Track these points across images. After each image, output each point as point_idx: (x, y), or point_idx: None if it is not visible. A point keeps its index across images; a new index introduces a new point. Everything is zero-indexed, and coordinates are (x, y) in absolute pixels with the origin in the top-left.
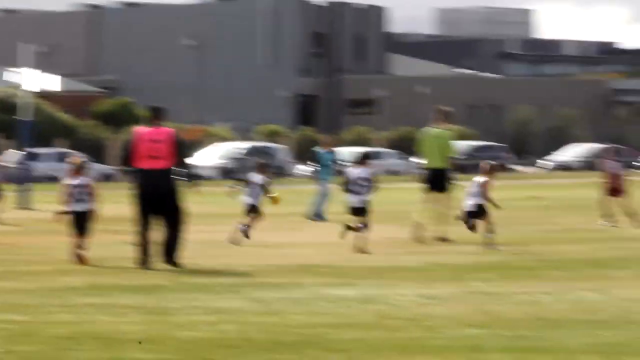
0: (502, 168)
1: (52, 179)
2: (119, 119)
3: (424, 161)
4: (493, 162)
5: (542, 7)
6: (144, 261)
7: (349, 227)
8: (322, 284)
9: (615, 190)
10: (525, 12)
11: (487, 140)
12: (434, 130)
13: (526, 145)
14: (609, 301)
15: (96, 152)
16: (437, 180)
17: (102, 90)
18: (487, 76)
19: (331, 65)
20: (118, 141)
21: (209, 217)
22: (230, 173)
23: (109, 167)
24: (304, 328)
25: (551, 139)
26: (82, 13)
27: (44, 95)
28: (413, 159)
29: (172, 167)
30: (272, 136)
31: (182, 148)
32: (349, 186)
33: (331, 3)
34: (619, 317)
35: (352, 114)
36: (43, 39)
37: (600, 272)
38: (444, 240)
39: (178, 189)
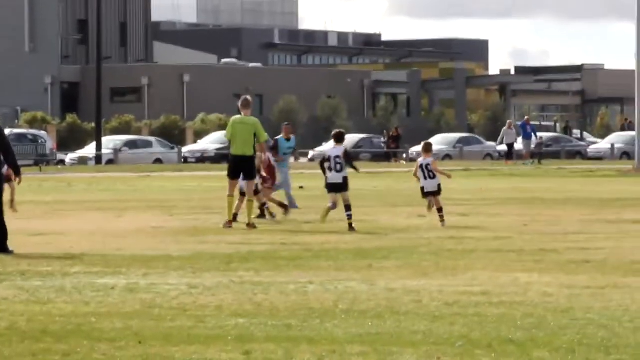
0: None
1: None
2: None
3: (232, 148)
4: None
5: None
6: None
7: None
8: (89, 273)
9: None
10: (291, 3)
11: None
12: (240, 117)
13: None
14: (375, 291)
15: None
16: (244, 167)
17: None
18: (252, 66)
19: (94, 53)
20: None
21: None
22: None
23: None
24: (71, 317)
25: (315, 128)
26: None
27: None
28: (177, 148)
29: None
30: (37, 123)
31: (3, 137)
32: (328, 164)
33: None
34: (385, 307)
35: (116, 102)
36: None
37: (366, 263)
38: (252, 226)
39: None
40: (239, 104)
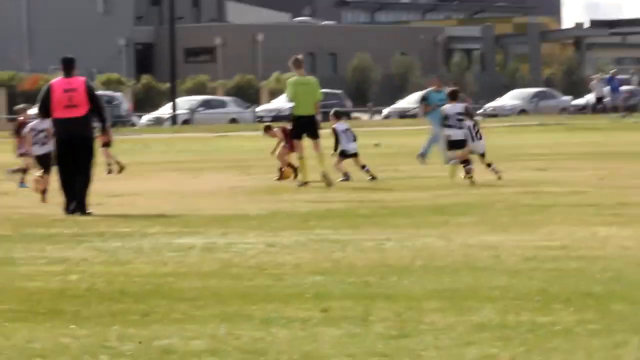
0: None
1: None
2: None
3: (295, 109)
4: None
5: None
6: (68, 206)
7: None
8: (168, 233)
9: None
10: None
11: (326, 88)
12: (304, 78)
13: (365, 92)
14: (452, 247)
15: None
16: (309, 126)
17: None
18: (325, 24)
19: (167, 14)
20: None
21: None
22: None
23: None
24: (150, 277)
25: (390, 86)
26: None
27: None
28: (252, 107)
29: (88, 115)
30: (112, 85)
31: (95, 96)
32: (448, 121)
33: None
34: (462, 263)
35: (190, 62)
36: None
37: (443, 219)
38: (329, 183)
39: (93, 136)
40: (291, 64)
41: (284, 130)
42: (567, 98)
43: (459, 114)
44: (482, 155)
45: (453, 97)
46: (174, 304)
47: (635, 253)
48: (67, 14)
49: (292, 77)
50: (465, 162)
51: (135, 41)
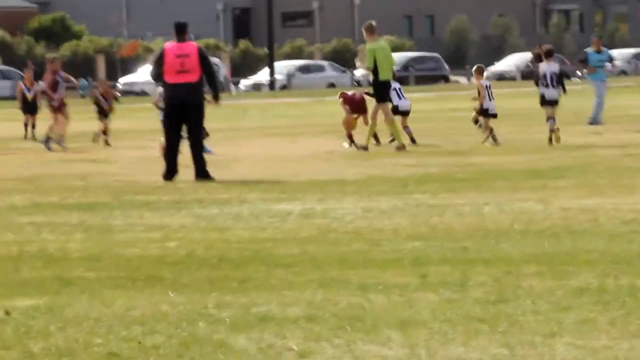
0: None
1: None
2: (55, 34)
3: (379, 74)
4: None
5: None
6: (170, 172)
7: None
8: (266, 199)
9: None
10: None
11: (424, 51)
12: (380, 43)
13: (463, 55)
14: (550, 211)
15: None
16: (387, 91)
17: (34, 5)
18: None
19: None
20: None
21: (141, 133)
22: None
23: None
24: (248, 243)
25: (488, 48)
26: None
27: None
28: (349, 71)
29: (200, 81)
30: (210, 50)
31: (207, 62)
32: (543, 80)
33: None
34: (560, 227)
35: (287, 26)
36: None
37: (541, 182)
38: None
39: (204, 103)
40: (365, 29)
41: (343, 96)
42: None
43: (554, 73)
44: (494, 115)
45: (549, 55)
46: (271, 270)
47: None
48: None
49: (371, 44)
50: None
51: (233, 6)
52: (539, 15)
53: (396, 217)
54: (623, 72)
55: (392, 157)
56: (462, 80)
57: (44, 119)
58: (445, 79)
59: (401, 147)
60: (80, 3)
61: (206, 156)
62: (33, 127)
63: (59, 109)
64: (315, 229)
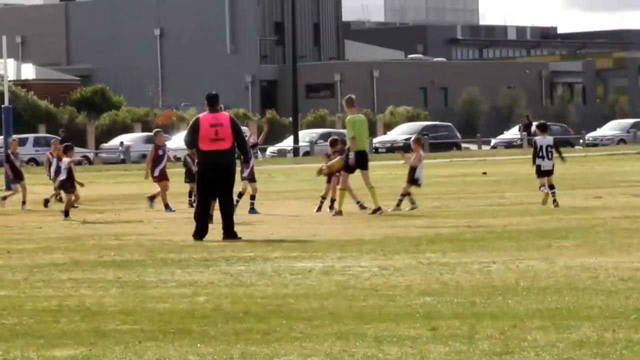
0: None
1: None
2: (95, 104)
3: (357, 144)
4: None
5: None
6: (201, 232)
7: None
8: (288, 257)
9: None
10: (472, 0)
11: (438, 120)
12: (359, 116)
13: (474, 124)
14: (554, 269)
15: (77, 136)
16: (364, 160)
17: (77, 78)
18: (436, 60)
19: (290, 52)
20: (96, 126)
21: (177, 195)
22: None
23: (87, 150)
24: (271, 298)
25: (497, 118)
26: (54, 5)
27: (22, 84)
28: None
29: (232, 148)
30: (239, 119)
31: (239, 131)
32: (539, 153)
33: None
34: (564, 284)
35: (311, 97)
36: (17, 31)
37: (545, 242)
38: (362, 207)
39: (235, 168)
40: (345, 102)
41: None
42: None
43: (549, 145)
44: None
45: (543, 129)
46: (293, 324)
47: None
48: (198, 54)
49: (352, 116)
50: (551, 187)
51: (261, 78)
52: (545, 87)
53: (409, 274)
54: (622, 141)
55: (406, 219)
56: (473, 147)
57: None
58: (458, 147)
59: (338, 213)
60: (119, 76)
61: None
62: (57, 196)
63: (159, 177)
64: (334, 285)
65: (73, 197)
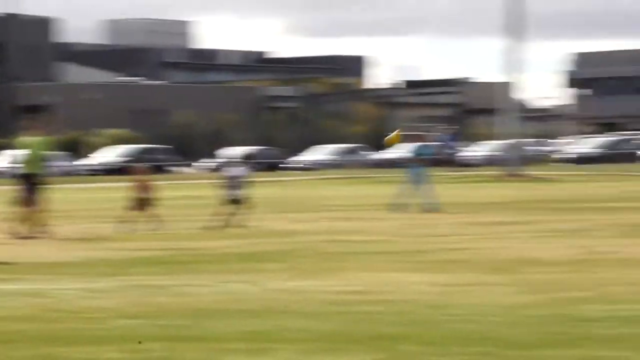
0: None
1: None
2: None
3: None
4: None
5: (204, 18)
6: None
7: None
8: None
9: None
10: (184, 24)
11: (153, 143)
12: (31, 139)
13: (191, 147)
14: (258, 292)
15: None
16: (35, 184)
17: None
18: (151, 83)
19: (5, 73)
20: None
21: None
22: None
23: None
24: None
25: (213, 141)
26: None
27: None
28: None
29: None
30: None
31: None
32: (228, 183)
33: (5, 14)
34: (266, 307)
35: (26, 119)
36: None
37: (251, 266)
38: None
39: None
40: (27, 123)
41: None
42: (373, 153)
43: (239, 177)
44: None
45: (237, 163)
46: None
47: (428, 297)
48: None
49: (24, 137)
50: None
51: None
52: (260, 111)
53: (116, 296)
54: (332, 165)
55: (120, 242)
56: (190, 170)
57: None
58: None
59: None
60: None
61: None
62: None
63: None
64: (37, 308)
65: None
